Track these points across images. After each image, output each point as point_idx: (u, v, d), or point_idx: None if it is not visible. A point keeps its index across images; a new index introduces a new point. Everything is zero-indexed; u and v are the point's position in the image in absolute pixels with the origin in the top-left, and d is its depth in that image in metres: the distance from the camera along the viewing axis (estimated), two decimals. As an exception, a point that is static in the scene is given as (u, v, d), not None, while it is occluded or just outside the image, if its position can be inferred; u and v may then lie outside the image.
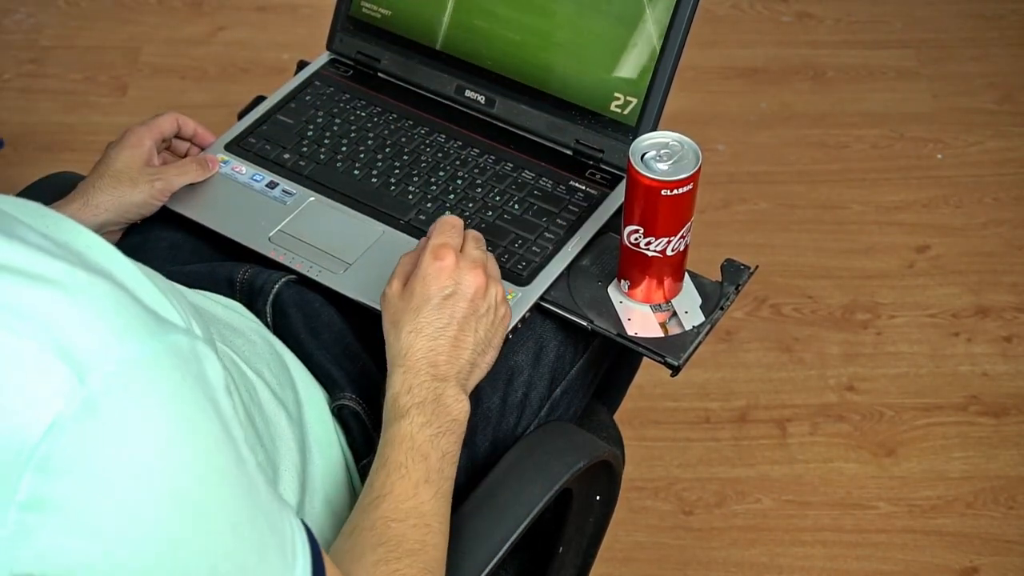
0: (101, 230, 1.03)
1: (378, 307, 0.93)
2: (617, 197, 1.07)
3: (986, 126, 2.10)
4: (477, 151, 1.13)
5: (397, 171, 1.11)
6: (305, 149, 1.14)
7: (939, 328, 1.80)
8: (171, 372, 0.60)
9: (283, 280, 1.02)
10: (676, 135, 0.95)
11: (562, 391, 1.04)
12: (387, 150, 1.13)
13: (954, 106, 2.14)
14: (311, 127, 1.16)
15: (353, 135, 1.15)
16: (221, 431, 0.63)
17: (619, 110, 1.09)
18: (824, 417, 1.70)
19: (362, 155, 1.13)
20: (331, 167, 1.12)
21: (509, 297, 0.99)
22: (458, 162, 1.12)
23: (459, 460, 0.97)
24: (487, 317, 0.91)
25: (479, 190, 1.09)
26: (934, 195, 1.99)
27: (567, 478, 0.93)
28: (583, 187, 1.09)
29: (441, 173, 1.11)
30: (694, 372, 1.73)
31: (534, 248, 1.04)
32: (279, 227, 1.07)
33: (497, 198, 1.08)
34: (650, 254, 0.97)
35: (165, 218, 1.08)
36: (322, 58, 1.23)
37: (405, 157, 1.12)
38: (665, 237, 0.96)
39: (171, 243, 1.09)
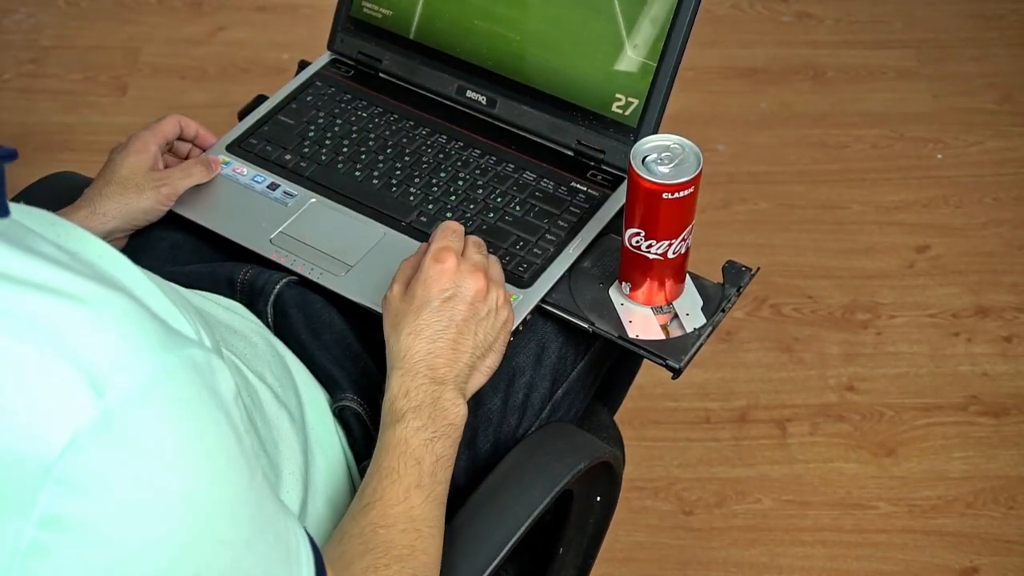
0: (108, 237, 1.03)
1: (380, 309, 0.94)
2: (618, 198, 1.07)
3: (986, 126, 2.10)
4: (478, 152, 1.13)
5: (398, 172, 1.11)
6: (306, 150, 1.14)
7: (939, 328, 1.81)
8: (187, 386, 0.60)
9: (284, 281, 1.02)
10: (677, 138, 0.95)
11: (563, 392, 1.04)
12: (388, 151, 1.13)
13: (954, 106, 2.14)
14: (312, 128, 1.16)
15: (354, 136, 1.15)
16: (235, 444, 0.63)
17: (620, 111, 1.09)
18: (824, 417, 1.70)
19: (363, 156, 1.13)
20: (332, 168, 1.12)
21: (511, 299, 0.99)
22: (459, 163, 1.12)
23: (460, 461, 0.97)
24: (487, 320, 0.91)
25: (480, 191, 1.09)
26: (934, 195, 2.00)
27: (568, 479, 0.93)
28: (584, 188, 1.09)
29: (442, 174, 1.11)
30: (694, 372, 1.73)
31: (535, 250, 1.04)
32: (280, 229, 1.07)
33: (498, 200, 1.08)
34: (651, 257, 0.97)
35: (166, 219, 1.08)
36: (323, 58, 1.23)
37: (406, 158, 1.12)
38: (666, 240, 0.96)
39: (172, 243, 1.09)
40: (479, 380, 0.92)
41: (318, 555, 0.71)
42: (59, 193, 1.09)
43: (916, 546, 1.57)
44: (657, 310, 1.01)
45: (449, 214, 1.07)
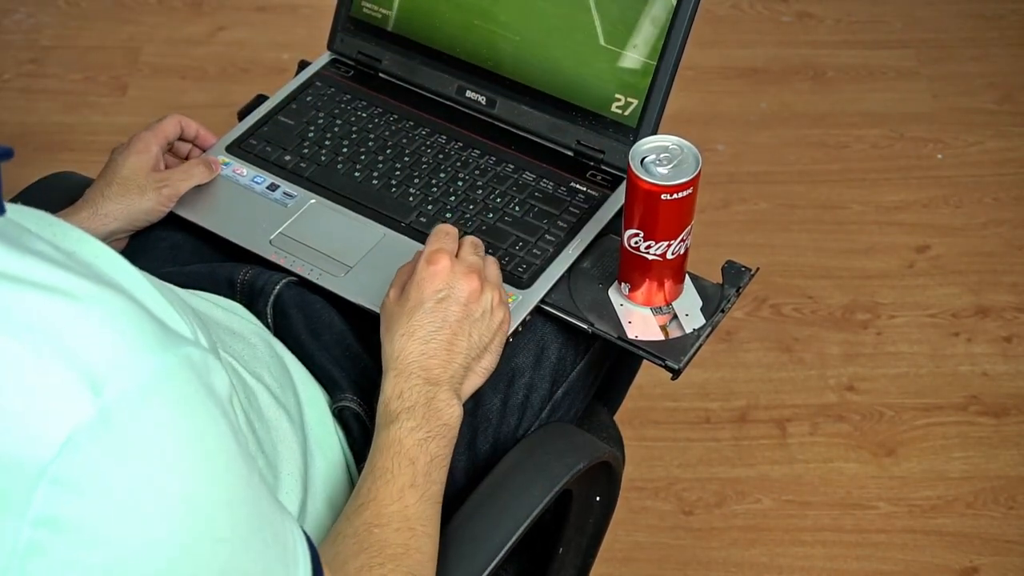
0: (110, 238, 1.03)
1: (379, 311, 0.94)
2: (618, 198, 1.07)
3: (986, 126, 2.10)
4: (478, 152, 1.13)
5: (398, 173, 1.11)
6: (306, 151, 1.14)
7: (939, 328, 1.81)
8: (185, 385, 0.59)
9: (284, 281, 1.02)
10: (676, 139, 0.95)
11: (563, 393, 1.04)
12: (388, 151, 1.13)
13: (954, 106, 2.14)
14: (312, 128, 1.16)
15: (354, 136, 1.15)
16: (233, 443, 0.63)
17: (620, 111, 1.09)
18: (824, 417, 1.70)
19: (363, 157, 1.13)
20: (332, 169, 1.12)
21: (510, 300, 0.99)
22: (459, 163, 1.12)
23: (459, 462, 0.97)
24: (482, 322, 0.91)
25: (480, 192, 1.09)
26: (934, 195, 2.00)
27: (567, 479, 0.93)
28: (584, 188, 1.09)
29: (442, 175, 1.11)
30: (694, 372, 1.73)
31: (535, 251, 1.04)
32: (280, 230, 1.07)
33: (498, 200, 1.08)
34: (650, 258, 0.97)
35: (166, 219, 1.08)
36: (323, 58, 1.23)
37: (406, 159, 1.12)
38: (665, 241, 0.96)
39: (172, 243, 1.09)
40: (475, 381, 0.92)
41: (315, 554, 0.71)
42: (59, 193, 1.09)
43: (916, 546, 1.57)
44: (656, 311, 1.01)
45: (448, 215, 1.08)
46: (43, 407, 0.55)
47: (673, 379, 0.98)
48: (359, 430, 0.94)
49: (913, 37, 2.27)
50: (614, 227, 1.06)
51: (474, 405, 0.97)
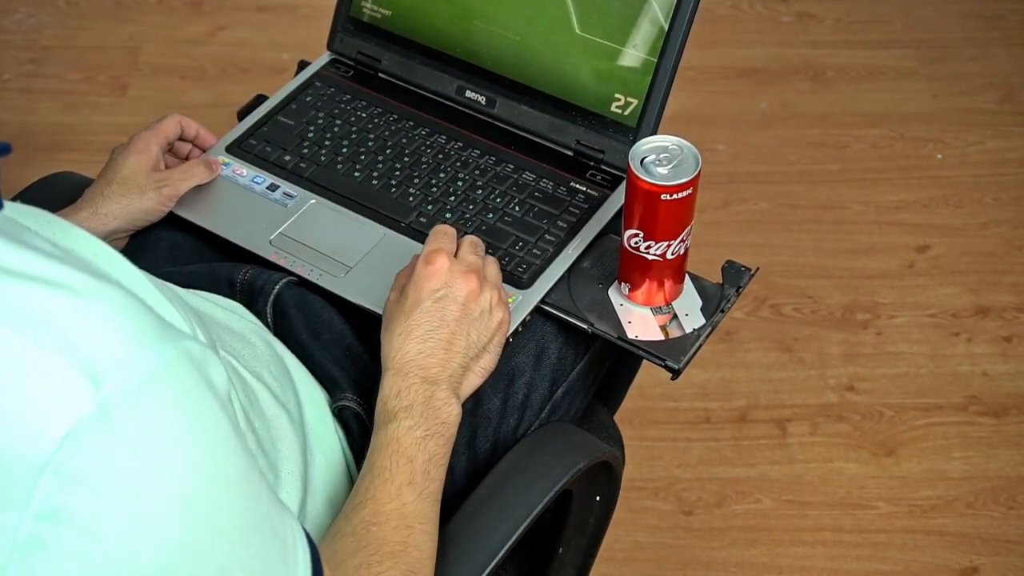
0: (110, 237, 1.03)
1: (379, 310, 0.94)
2: (618, 198, 1.07)
3: (986, 126, 2.10)
4: (478, 152, 1.13)
5: (398, 173, 1.11)
6: (306, 151, 1.14)
7: (939, 328, 1.81)
8: (185, 379, 0.60)
9: (284, 281, 1.02)
10: (676, 139, 0.95)
11: (563, 392, 1.04)
12: (388, 151, 1.13)
13: (954, 106, 2.14)
14: (312, 128, 1.16)
15: (354, 136, 1.15)
16: (232, 437, 0.63)
17: (620, 111, 1.09)
18: (824, 417, 1.70)
19: (363, 157, 1.13)
20: (332, 169, 1.12)
21: (510, 300, 0.99)
22: (459, 163, 1.12)
23: (459, 461, 0.97)
24: (480, 321, 0.91)
25: (480, 192, 1.09)
26: (934, 195, 2.00)
27: (567, 479, 0.93)
28: (584, 188, 1.09)
29: (442, 175, 1.11)
30: (694, 372, 1.73)
31: (535, 251, 1.04)
32: (280, 230, 1.07)
33: (498, 200, 1.08)
34: (650, 258, 0.97)
35: (166, 219, 1.08)
36: (323, 58, 1.23)
37: (406, 159, 1.13)
38: (665, 241, 0.96)
39: (172, 243, 1.09)
40: (474, 381, 0.92)
41: (315, 551, 0.71)
42: (59, 193, 1.09)
43: (916, 546, 1.57)
44: (656, 311, 1.01)
45: (448, 215, 1.08)
46: (44, 401, 0.55)
47: (673, 379, 0.98)
48: (359, 429, 0.94)
49: (913, 37, 2.27)
50: (614, 227, 1.06)
51: (474, 405, 0.97)
